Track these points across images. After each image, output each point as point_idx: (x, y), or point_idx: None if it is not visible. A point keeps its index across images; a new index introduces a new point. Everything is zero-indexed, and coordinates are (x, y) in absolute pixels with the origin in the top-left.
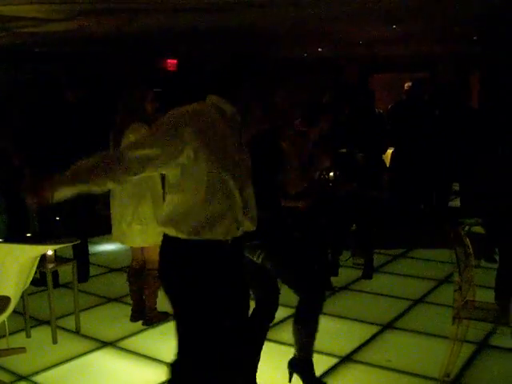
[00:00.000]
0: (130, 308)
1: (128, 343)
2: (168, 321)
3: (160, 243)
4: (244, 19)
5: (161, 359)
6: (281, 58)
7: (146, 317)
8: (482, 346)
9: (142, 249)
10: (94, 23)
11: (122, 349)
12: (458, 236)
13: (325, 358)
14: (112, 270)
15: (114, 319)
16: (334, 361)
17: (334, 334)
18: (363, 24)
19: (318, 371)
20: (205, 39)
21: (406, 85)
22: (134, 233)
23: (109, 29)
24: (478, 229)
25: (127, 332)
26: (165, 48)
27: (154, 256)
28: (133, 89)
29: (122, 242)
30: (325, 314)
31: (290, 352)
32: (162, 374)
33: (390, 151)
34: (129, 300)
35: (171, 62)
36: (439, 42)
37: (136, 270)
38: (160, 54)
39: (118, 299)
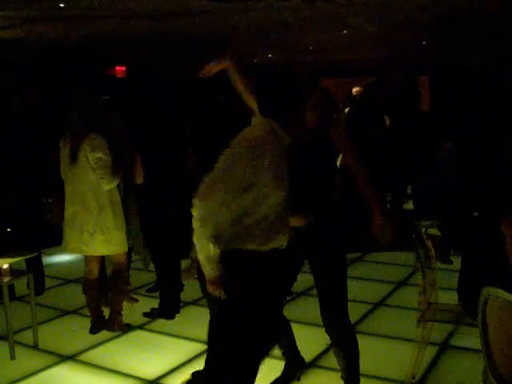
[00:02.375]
0: (88, 320)
1: (88, 356)
2: (126, 332)
3: (124, 251)
4: (193, 26)
5: (122, 371)
6: None
7: (110, 320)
8: (445, 346)
9: (110, 256)
10: (43, 30)
11: (82, 362)
12: (420, 238)
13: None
14: (67, 282)
15: (73, 332)
16: None
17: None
18: (313, 30)
19: None
20: (155, 46)
21: (354, 90)
22: (97, 242)
23: (58, 36)
24: (433, 230)
25: (87, 345)
26: (114, 55)
27: (124, 260)
28: (87, 99)
29: (83, 252)
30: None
31: None
32: None
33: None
34: (87, 312)
35: (120, 69)
36: (388, 47)
37: (92, 282)
38: (109, 60)
39: (75, 311)
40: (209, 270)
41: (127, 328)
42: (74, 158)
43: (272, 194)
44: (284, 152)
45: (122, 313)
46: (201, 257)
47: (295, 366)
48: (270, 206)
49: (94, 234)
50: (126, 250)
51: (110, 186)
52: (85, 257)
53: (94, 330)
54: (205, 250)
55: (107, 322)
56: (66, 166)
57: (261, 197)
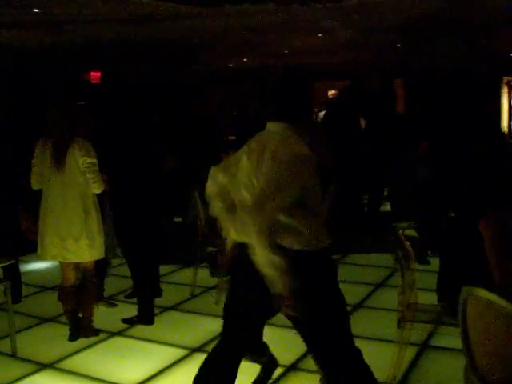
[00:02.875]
0: (67, 327)
1: (68, 364)
2: (106, 339)
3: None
4: (168, 30)
5: (102, 378)
6: (206, 69)
7: (85, 327)
8: (425, 347)
9: (82, 264)
10: (17, 36)
11: (61, 370)
12: (398, 240)
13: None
14: (45, 289)
15: (52, 340)
16: (279, 370)
17: (277, 344)
18: (288, 33)
19: None
20: (129, 52)
21: (329, 93)
22: (82, 248)
23: (31, 41)
24: (411, 232)
25: (66, 352)
26: (88, 60)
27: (92, 265)
28: (69, 103)
29: (66, 259)
30: (267, 324)
31: None
32: None
33: None
34: (65, 319)
35: (95, 75)
36: (363, 50)
37: (68, 289)
38: (83, 66)
39: (53, 319)
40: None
41: (98, 332)
42: (59, 163)
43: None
44: None
45: (101, 318)
46: (273, 272)
47: (271, 367)
48: None
49: (79, 240)
50: (103, 254)
51: (100, 190)
52: (60, 263)
53: (72, 337)
54: (272, 262)
55: (82, 329)
56: (48, 171)
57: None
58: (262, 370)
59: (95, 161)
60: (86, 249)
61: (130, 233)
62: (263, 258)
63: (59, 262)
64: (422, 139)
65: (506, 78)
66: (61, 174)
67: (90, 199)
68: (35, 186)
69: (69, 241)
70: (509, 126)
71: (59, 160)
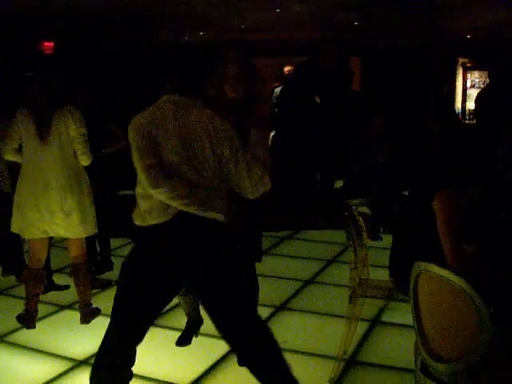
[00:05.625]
0: (16, 300)
1: (18, 337)
2: (56, 312)
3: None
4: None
5: (52, 352)
6: (161, 42)
7: (84, 312)
8: (375, 322)
9: (72, 243)
10: None
11: (10, 343)
12: (351, 216)
13: (219, 342)
14: None
15: (1, 313)
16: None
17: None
18: (246, 8)
19: (214, 357)
20: (83, 22)
21: (285, 69)
22: (75, 222)
23: None
24: (363, 209)
25: (16, 325)
26: (41, 30)
27: (84, 248)
28: (50, 72)
29: (58, 234)
30: None
31: None
32: (56, 367)
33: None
34: (14, 292)
35: (48, 45)
36: (321, 27)
37: (38, 272)
38: (36, 36)
39: (2, 292)
40: None
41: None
42: (45, 133)
43: None
44: None
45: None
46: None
47: (196, 324)
48: None
49: (70, 214)
50: (96, 229)
51: (89, 162)
52: (32, 243)
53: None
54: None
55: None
56: (33, 143)
57: None
58: (187, 328)
59: (85, 130)
60: (79, 224)
61: None
62: None
63: (31, 240)
64: (378, 116)
65: (461, 60)
66: (49, 145)
67: (80, 172)
68: (9, 157)
69: (58, 215)
70: (462, 106)
71: (43, 131)
